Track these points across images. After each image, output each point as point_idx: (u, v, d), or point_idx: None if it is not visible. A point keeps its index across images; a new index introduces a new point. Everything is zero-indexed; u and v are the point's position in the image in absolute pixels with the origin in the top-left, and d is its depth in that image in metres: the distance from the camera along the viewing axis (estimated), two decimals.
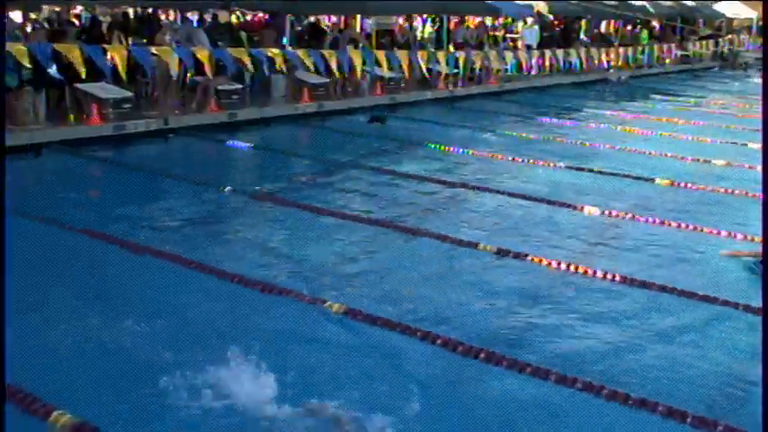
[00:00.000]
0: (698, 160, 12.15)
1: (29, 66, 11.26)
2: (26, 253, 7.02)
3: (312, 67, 15.12)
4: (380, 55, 17.01)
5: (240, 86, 15.04)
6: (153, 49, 13.26)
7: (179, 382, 4.59)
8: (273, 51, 14.76)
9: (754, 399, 4.48)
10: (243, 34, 18.75)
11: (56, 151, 11.26)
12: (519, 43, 25.88)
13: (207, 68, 13.45)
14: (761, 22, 39.15)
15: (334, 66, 15.27)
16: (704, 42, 34.52)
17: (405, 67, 17.20)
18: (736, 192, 9.86)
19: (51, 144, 11.39)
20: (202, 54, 13.55)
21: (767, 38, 20.62)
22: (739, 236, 7.81)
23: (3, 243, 4.07)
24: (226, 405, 4.37)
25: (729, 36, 38.40)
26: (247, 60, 14.03)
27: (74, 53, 11.77)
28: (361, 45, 18.23)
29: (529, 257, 6.97)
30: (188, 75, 14.55)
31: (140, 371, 4.74)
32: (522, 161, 11.84)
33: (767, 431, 3.63)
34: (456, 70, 19.95)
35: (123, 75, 12.45)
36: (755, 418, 3.85)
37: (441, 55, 19.59)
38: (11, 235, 7.22)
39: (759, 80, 29.55)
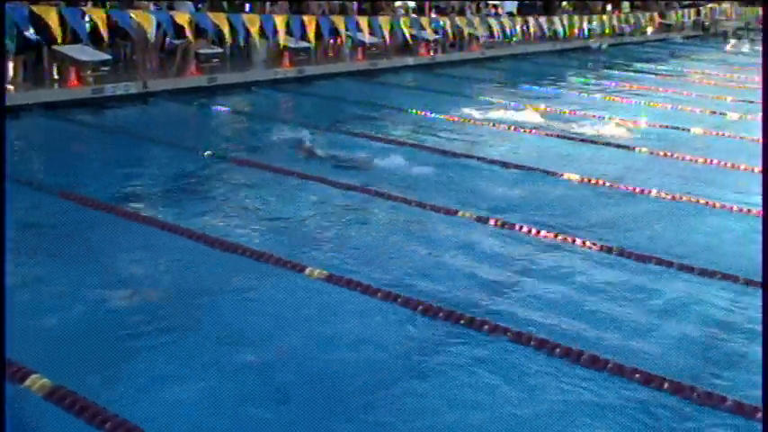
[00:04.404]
0: (677, 128, 12.21)
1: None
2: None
3: (286, 35, 15.09)
4: (363, 20, 16.90)
5: (220, 50, 14.90)
6: (132, 13, 13.09)
7: (154, 346, 4.61)
8: (251, 19, 14.65)
9: None
10: None
11: (33, 114, 11.14)
12: (500, 10, 25.78)
13: (187, 32, 13.33)
14: None
15: (310, 31, 15.22)
16: (686, 11, 34.53)
17: (386, 33, 17.11)
18: (715, 161, 9.93)
19: (28, 107, 11.26)
20: (182, 18, 13.42)
21: (767, 35, 20.71)
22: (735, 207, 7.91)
23: (3, 238, 4.04)
24: (202, 370, 4.40)
25: (710, 5, 38.39)
26: (226, 27, 13.91)
27: (51, 16, 11.63)
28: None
29: (508, 225, 7.01)
30: (167, 38, 14.39)
31: (115, 335, 4.73)
32: (504, 128, 11.87)
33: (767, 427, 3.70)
34: (437, 36, 19.87)
35: (106, 37, 12.34)
36: None
37: (424, 21, 19.48)
38: None
39: (739, 49, 29.72)
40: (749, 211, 7.74)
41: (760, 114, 14.00)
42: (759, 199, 8.09)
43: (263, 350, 4.64)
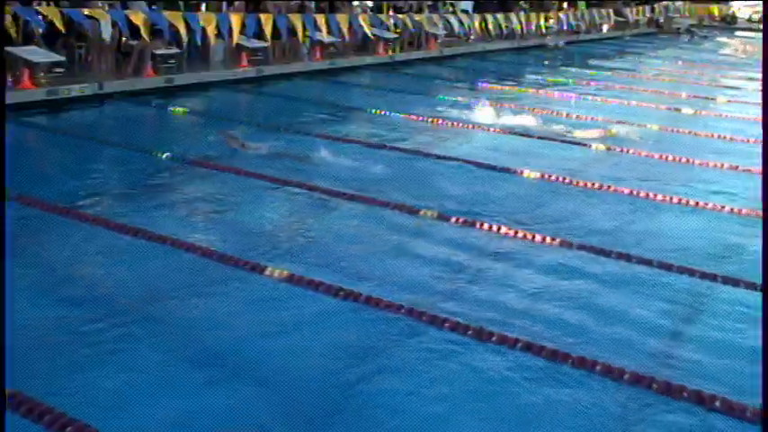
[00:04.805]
0: (633, 124, 12.34)
1: None
2: None
3: (241, 35, 15.01)
4: (320, 19, 16.85)
5: (178, 51, 14.73)
6: (86, 11, 12.90)
7: (112, 351, 4.55)
8: (207, 17, 14.55)
9: None
10: None
11: None
12: (456, 9, 25.94)
13: (143, 32, 13.18)
14: None
15: (268, 31, 15.15)
16: (640, 8, 35.00)
17: (345, 31, 17.08)
18: (670, 157, 10.07)
19: None
20: (137, 17, 13.27)
21: (767, 36, 21.06)
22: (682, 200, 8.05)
23: (3, 245, 3.95)
24: (160, 376, 4.35)
25: (664, 2, 38.94)
26: (182, 25, 13.78)
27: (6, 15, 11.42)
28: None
29: (469, 222, 7.04)
30: (122, 38, 14.20)
31: (75, 341, 4.66)
32: (463, 126, 11.91)
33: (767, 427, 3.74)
34: (395, 36, 19.89)
35: (63, 30, 12.17)
36: None
37: (384, 18, 19.50)
38: None
39: (693, 45, 30.26)
40: (705, 205, 7.88)
41: (713, 112, 14.31)
42: (710, 193, 8.31)
43: (223, 351, 4.60)
